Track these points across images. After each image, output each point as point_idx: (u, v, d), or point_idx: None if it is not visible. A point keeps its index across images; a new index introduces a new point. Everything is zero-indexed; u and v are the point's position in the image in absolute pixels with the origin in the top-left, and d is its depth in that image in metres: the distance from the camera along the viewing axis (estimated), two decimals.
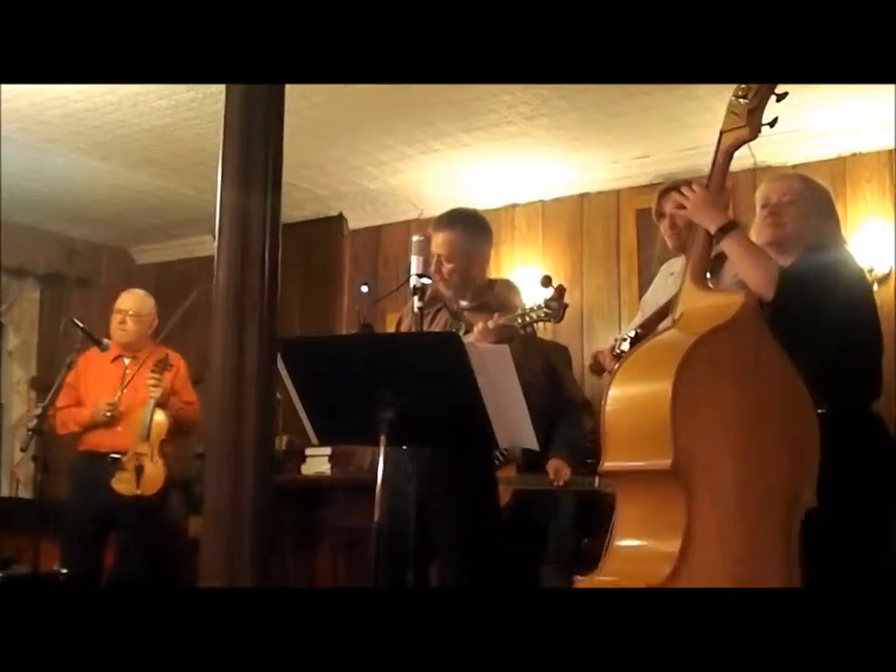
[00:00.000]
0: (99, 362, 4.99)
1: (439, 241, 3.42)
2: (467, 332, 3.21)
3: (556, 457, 4.27)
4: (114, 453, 4.84)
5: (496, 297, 3.47)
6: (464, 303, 3.47)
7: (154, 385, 4.85)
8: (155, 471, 4.80)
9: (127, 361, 5.04)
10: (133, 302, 5.10)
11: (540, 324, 3.15)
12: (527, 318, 3.07)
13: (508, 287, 3.79)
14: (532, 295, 3.55)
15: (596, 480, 4.03)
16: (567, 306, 3.04)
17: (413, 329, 3.25)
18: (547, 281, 3.11)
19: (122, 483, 4.75)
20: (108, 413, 4.84)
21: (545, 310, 3.02)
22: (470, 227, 3.43)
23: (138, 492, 4.72)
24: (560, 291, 3.03)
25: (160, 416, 4.87)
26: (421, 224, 6.15)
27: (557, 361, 4.76)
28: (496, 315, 3.16)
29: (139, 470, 4.73)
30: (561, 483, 4.21)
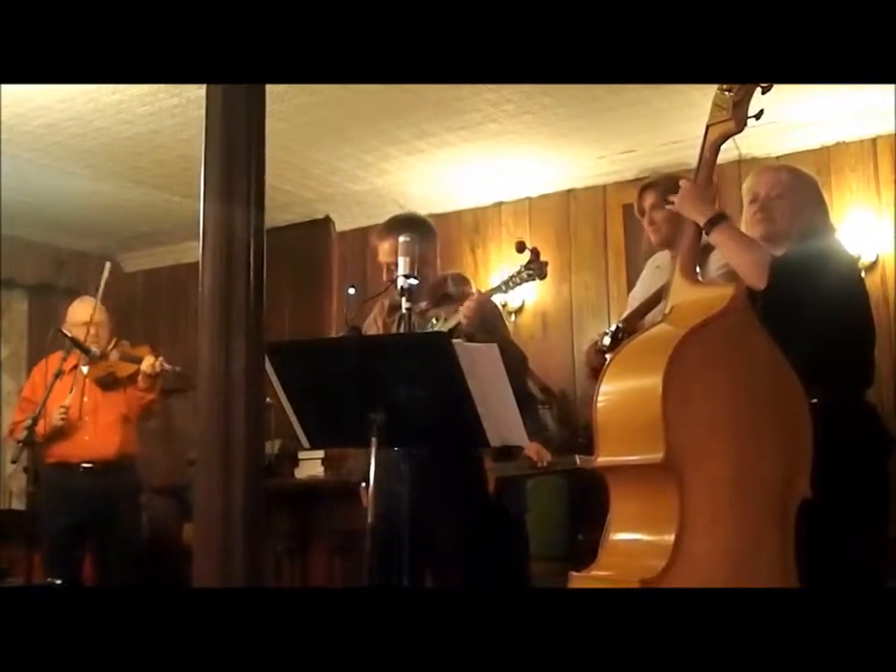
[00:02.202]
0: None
1: (386, 249, 3.41)
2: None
3: (534, 441, 4.27)
4: (85, 462, 4.83)
5: (452, 289, 3.48)
6: (423, 305, 3.45)
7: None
8: None
9: (86, 370, 4.97)
10: (81, 313, 5.02)
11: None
12: (512, 283, 3.12)
13: (460, 279, 3.80)
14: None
15: (577, 458, 4.03)
16: (546, 263, 3.14)
17: (402, 331, 3.24)
18: (521, 246, 3.18)
19: None
20: (62, 418, 4.77)
21: (527, 271, 3.12)
22: (415, 230, 3.39)
23: None
24: (536, 252, 3.14)
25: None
26: None
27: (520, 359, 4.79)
28: (476, 289, 3.20)
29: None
30: (545, 464, 4.22)
